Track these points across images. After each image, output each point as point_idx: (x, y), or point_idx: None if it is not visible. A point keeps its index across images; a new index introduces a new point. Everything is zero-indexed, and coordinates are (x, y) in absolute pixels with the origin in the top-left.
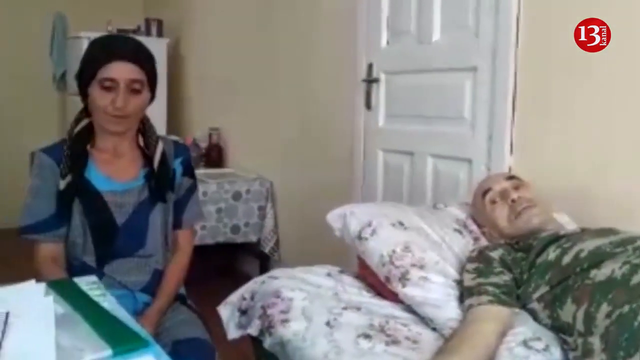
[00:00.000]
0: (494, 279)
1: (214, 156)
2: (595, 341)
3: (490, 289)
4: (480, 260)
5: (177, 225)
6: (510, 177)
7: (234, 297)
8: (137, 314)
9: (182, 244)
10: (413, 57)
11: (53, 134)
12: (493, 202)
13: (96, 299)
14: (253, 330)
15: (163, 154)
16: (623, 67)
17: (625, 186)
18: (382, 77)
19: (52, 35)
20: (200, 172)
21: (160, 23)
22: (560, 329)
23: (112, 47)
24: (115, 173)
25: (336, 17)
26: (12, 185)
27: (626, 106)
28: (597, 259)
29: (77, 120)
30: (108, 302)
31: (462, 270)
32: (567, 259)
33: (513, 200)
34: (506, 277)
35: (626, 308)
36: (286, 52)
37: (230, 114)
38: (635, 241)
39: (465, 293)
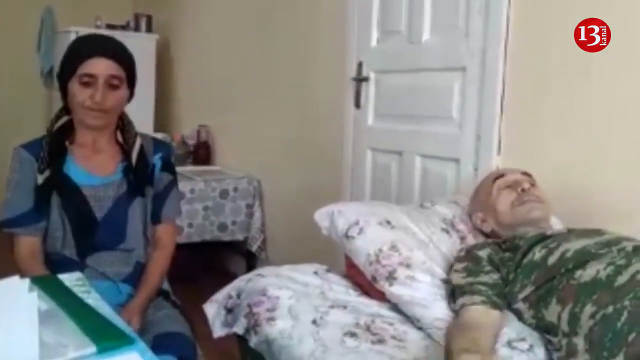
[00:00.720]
0: (484, 278)
1: (202, 154)
2: (580, 341)
3: (482, 288)
4: (468, 259)
5: (156, 220)
6: (525, 173)
7: (220, 295)
8: (121, 305)
9: (164, 238)
10: (403, 56)
11: (39, 130)
12: (502, 188)
13: (81, 295)
14: (239, 329)
15: (141, 149)
16: (619, 67)
17: (621, 186)
18: (372, 76)
19: (40, 30)
20: (187, 169)
21: (149, 19)
22: (544, 329)
23: (92, 44)
24: (94, 168)
25: (326, 16)
26: None
27: (620, 107)
28: (582, 259)
29: (57, 117)
30: (92, 298)
31: (449, 270)
32: (552, 259)
33: (523, 190)
34: (495, 276)
35: (610, 309)
36: (276, 49)
37: (219, 111)
38: (620, 242)
39: (456, 291)
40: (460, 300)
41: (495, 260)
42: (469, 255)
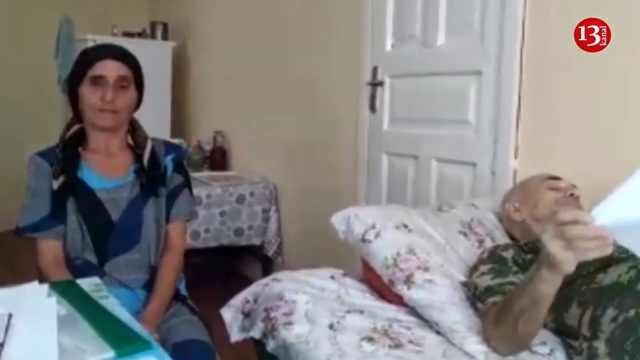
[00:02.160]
0: (512, 279)
1: (218, 159)
2: (601, 345)
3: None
4: (493, 261)
5: (166, 219)
6: (575, 187)
7: (237, 300)
8: (140, 312)
9: (174, 239)
10: (418, 60)
11: (57, 138)
12: (552, 187)
13: (99, 300)
14: (256, 333)
15: (152, 150)
16: (630, 68)
17: None
18: (387, 80)
19: (58, 38)
20: (204, 174)
21: (165, 26)
22: (565, 333)
23: (100, 49)
24: (107, 172)
25: (341, 20)
26: (16, 188)
27: (634, 107)
28: (604, 262)
29: (69, 126)
30: (110, 303)
31: (470, 272)
32: None
33: (572, 194)
34: (522, 277)
35: (632, 312)
36: (291, 54)
37: (235, 116)
38: None
39: (485, 292)
40: (492, 299)
41: (519, 262)
42: (493, 257)
